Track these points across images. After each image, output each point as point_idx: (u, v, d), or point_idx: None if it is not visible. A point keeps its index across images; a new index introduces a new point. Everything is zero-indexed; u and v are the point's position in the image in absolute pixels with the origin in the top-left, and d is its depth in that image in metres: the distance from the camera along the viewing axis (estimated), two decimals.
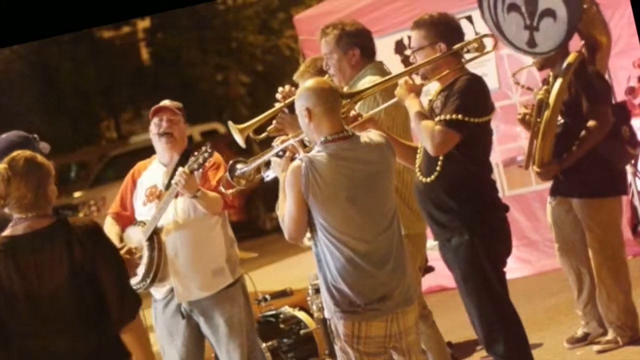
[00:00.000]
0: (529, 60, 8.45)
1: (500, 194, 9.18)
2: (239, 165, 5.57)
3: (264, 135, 5.81)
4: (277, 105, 5.85)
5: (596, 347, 6.95)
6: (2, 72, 23.56)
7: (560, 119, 6.83)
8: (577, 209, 6.91)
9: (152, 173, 6.46)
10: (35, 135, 5.57)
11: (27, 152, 4.58)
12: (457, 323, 6.11)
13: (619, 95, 8.91)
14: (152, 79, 26.76)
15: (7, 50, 22.84)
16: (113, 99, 27.42)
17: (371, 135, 5.15)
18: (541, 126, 6.72)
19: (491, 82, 9.17)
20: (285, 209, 5.02)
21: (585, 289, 7.05)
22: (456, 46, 5.65)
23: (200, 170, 6.17)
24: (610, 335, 6.92)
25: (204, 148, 6.15)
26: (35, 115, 23.67)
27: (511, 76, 7.56)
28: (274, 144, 5.48)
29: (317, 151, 5.02)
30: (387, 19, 9.64)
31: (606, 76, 7.28)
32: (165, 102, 6.43)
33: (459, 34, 5.76)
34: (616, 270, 6.89)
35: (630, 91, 9.26)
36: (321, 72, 6.26)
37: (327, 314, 5.08)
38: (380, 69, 6.19)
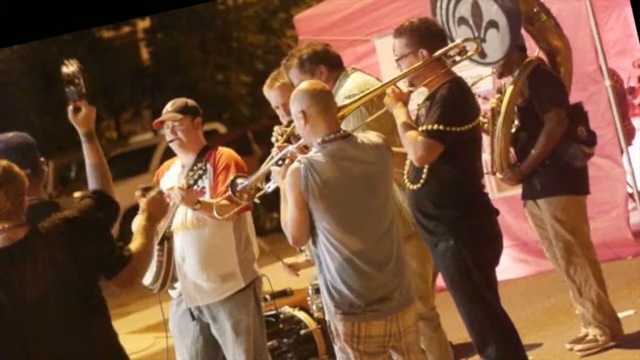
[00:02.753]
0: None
1: (490, 196, 9.29)
2: (239, 180, 5.58)
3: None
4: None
5: (577, 347, 6.97)
6: (2, 72, 23.56)
7: (517, 123, 6.92)
8: (541, 208, 6.99)
9: (171, 174, 6.47)
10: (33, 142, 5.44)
11: (4, 162, 4.55)
12: (457, 323, 6.10)
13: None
14: (152, 79, 26.77)
15: (7, 50, 22.84)
16: (113, 99, 27.42)
17: (369, 135, 5.14)
18: (496, 133, 6.84)
19: (486, 83, 9.20)
20: (287, 213, 5.01)
21: None
22: (437, 53, 5.65)
23: (196, 186, 6.13)
24: (590, 335, 6.94)
25: (199, 165, 6.15)
26: (35, 115, 23.68)
27: (470, 86, 7.66)
28: (272, 154, 5.49)
29: (315, 152, 5.02)
30: (387, 19, 9.65)
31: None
32: (166, 109, 6.38)
33: (441, 39, 5.77)
34: (585, 269, 6.91)
35: (630, 91, 9.28)
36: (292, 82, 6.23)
37: (327, 316, 5.08)
38: (349, 75, 6.17)
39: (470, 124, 5.63)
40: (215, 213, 5.91)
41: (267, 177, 5.62)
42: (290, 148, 5.30)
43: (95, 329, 4.50)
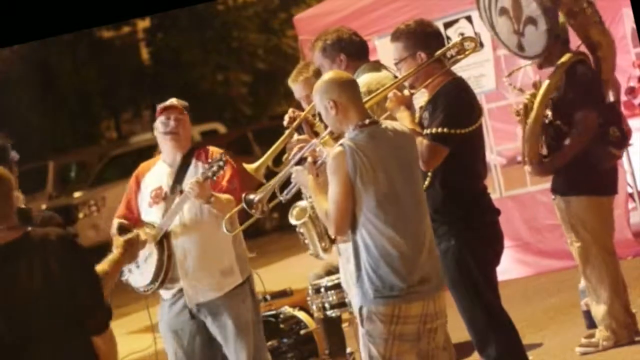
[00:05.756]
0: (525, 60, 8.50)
1: (498, 195, 9.32)
2: (251, 196, 5.57)
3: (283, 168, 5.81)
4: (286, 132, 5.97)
5: (578, 349, 6.94)
6: (2, 72, 23.56)
7: (550, 116, 6.89)
8: (565, 206, 6.97)
9: (156, 174, 6.45)
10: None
11: None
12: (456, 323, 6.10)
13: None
14: (152, 79, 26.77)
15: (7, 50, 22.85)
16: (113, 99, 27.43)
17: (395, 124, 5.17)
18: (525, 130, 6.83)
19: (489, 83, 9.21)
20: (329, 199, 4.97)
21: None
22: (437, 53, 5.65)
23: (214, 178, 6.15)
24: (595, 337, 6.92)
25: (219, 156, 6.15)
26: (35, 115, 23.71)
27: (506, 76, 7.61)
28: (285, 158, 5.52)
29: (355, 135, 5.00)
30: (387, 19, 9.64)
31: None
32: (173, 101, 6.43)
33: (438, 40, 5.77)
34: (600, 271, 6.88)
35: (630, 91, 9.27)
36: (316, 75, 6.28)
37: (361, 302, 5.02)
38: (374, 68, 6.18)
39: (473, 126, 5.63)
40: (224, 229, 5.94)
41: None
42: (315, 141, 5.30)
43: (80, 333, 4.47)
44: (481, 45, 5.99)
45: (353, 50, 6.18)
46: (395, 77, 6.16)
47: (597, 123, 6.80)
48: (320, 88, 5.10)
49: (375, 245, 4.96)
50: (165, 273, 6.25)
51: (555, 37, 6.82)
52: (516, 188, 9.33)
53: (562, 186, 6.97)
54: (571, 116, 6.80)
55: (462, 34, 6.87)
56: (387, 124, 5.10)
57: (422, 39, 5.71)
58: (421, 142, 5.53)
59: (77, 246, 4.52)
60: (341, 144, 4.97)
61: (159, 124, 6.38)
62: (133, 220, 6.41)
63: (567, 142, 6.81)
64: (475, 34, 7.58)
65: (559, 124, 6.85)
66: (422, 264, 4.99)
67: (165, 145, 6.41)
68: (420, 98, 5.96)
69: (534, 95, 6.88)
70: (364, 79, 6.03)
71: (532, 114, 6.82)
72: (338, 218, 4.97)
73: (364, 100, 5.61)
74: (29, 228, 4.46)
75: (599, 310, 6.90)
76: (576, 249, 6.93)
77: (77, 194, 19.85)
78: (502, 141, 9.37)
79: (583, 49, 7.00)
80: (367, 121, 5.03)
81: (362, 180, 4.92)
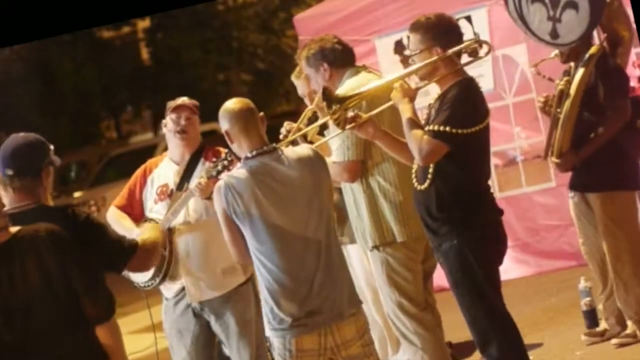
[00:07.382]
0: (523, 58, 8.47)
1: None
2: None
3: None
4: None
5: (614, 341, 6.92)
6: (2, 72, 23.58)
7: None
8: (591, 202, 6.92)
9: (163, 171, 6.47)
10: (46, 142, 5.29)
11: None
12: (457, 323, 6.11)
13: None
14: (152, 79, 26.78)
15: (7, 50, 22.86)
16: (113, 99, 27.45)
17: (298, 149, 5.18)
18: (561, 116, 6.76)
19: (487, 83, 9.18)
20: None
21: (609, 283, 7.02)
22: (450, 51, 5.61)
23: (218, 177, 6.17)
24: (629, 329, 6.90)
25: (223, 155, 6.17)
26: (35, 115, 23.71)
27: (532, 66, 7.55)
28: None
29: (237, 168, 5.08)
30: (387, 19, 9.64)
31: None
32: (184, 100, 6.45)
33: (456, 36, 5.72)
34: (632, 264, 6.86)
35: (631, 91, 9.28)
36: None
37: (265, 331, 5.11)
38: (355, 73, 6.22)
39: (478, 127, 5.62)
40: None
41: None
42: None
43: (83, 329, 4.47)
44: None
45: (336, 58, 6.25)
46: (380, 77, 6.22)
47: (630, 113, 6.81)
48: (219, 116, 5.14)
49: (262, 278, 5.01)
50: (166, 269, 6.27)
51: (596, 24, 6.78)
52: (512, 189, 9.32)
53: (590, 183, 6.90)
54: (600, 107, 6.78)
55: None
56: (284, 151, 5.09)
57: (440, 33, 5.67)
58: (421, 137, 5.53)
59: (68, 238, 4.48)
60: (221, 178, 5.10)
61: (169, 121, 6.42)
62: (132, 215, 6.43)
63: (598, 131, 6.78)
64: (475, 34, 7.58)
65: (587, 115, 6.82)
66: (313, 296, 4.96)
67: (174, 142, 6.44)
68: (421, 97, 5.96)
69: (568, 81, 6.83)
70: (343, 89, 6.04)
71: (569, 100, 6.74)
72: (232, 250, 5.11)
73: (359, 91, 5.61)
74: (16, 228, 4.45)
75: (630, 305, 6.85)
76: (607, 246, 6.87)
77: (77, 194, 19.84)
78: (499, 141, 9.36)
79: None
80: (254, 152, 5.01)
81: (237, 215, 4.98)
